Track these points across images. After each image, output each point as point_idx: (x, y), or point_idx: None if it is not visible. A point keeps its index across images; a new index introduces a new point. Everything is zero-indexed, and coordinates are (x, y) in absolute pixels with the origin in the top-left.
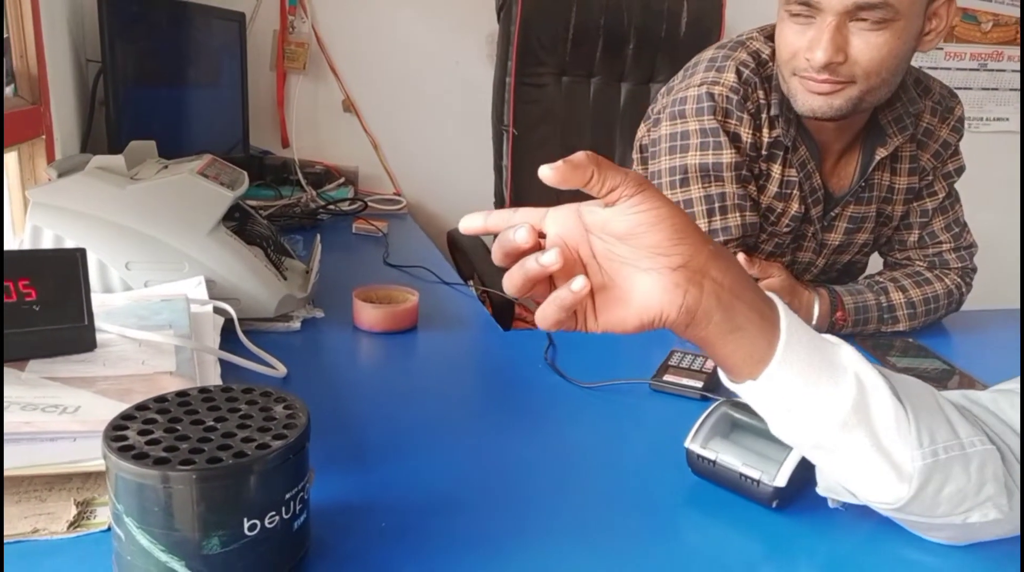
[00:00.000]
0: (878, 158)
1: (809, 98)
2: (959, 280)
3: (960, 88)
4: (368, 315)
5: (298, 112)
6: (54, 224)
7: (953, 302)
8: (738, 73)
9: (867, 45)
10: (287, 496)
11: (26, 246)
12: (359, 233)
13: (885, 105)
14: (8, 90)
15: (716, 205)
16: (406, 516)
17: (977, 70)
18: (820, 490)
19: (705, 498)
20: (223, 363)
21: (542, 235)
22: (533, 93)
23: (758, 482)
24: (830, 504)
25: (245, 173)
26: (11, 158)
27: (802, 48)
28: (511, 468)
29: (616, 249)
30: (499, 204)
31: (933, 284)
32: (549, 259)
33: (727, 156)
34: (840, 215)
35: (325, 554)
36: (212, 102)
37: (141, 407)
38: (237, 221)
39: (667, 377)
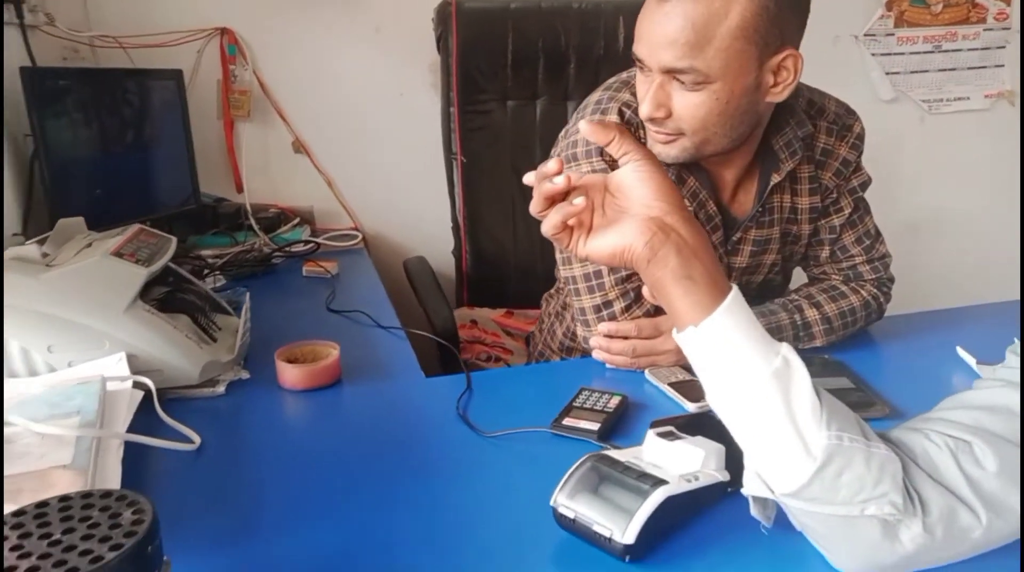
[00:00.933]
0: (773, 182)
1: (654, 145)
2: (875, 290)
3: (917, 71)
4: (289, 375)
5: (249, 157)
6: None
7: (872, 313)
8: (620, 114)
9: (686, 103)
10: None
11: None
12: (309, 275)
13: (775, 131)
14: None
15: None
16: None
17: (932, 52)
18: (744, 489)
19: (571, 553)
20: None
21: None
22: (478, 119)
23: (609, 539)
24: (762, 529)
25: (174, 238)
26: None
27: (639, 95)
28: (395, 526)
29: (618, 200)
30: (455, 228)
31: (849, 297)
32: (577, 200)
33: None
34: (743, 239)
35: None
36: (158, 160)
37: None
38: (170, 285)
39: (567, 420)
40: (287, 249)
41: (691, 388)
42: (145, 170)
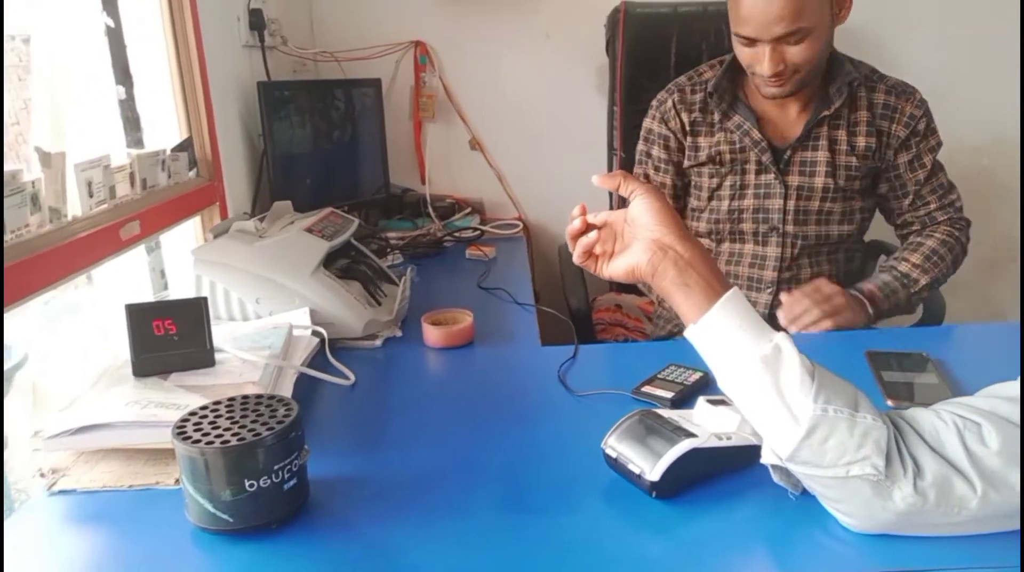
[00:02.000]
0: (821, 115)
1: (768, 90)
2: (949, 229)
3: None
4: (430, 334)
5: (432, 153)
6: (208, 272)
7: (953, 247)
8: (682, 91)
9: (798, 53)
10: (275, 467)
11: (191, 289)
12: (471, 258)
13: (830, 80)
14: (192, 173)
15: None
16: (392, 488)
17: None
18: (762, 459)
19: (615, 489)
20: (305, 373)
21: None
22: (638, 118)
23: (639, 476)
24: (790, 495)
25: (355, 220)
26: (195, 222)
27: (753, 63)
28: (484, 455)
29: (632, 229)
30: None
31: (925, 242)
32: (591, 234)
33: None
34: (792, 160)
35: (317, 511)
36: (357, 155)
37: (203, 408)
38: (351, 257)
39: (646, 388)
40: (456, 234)
41: None
42: (346, 164)
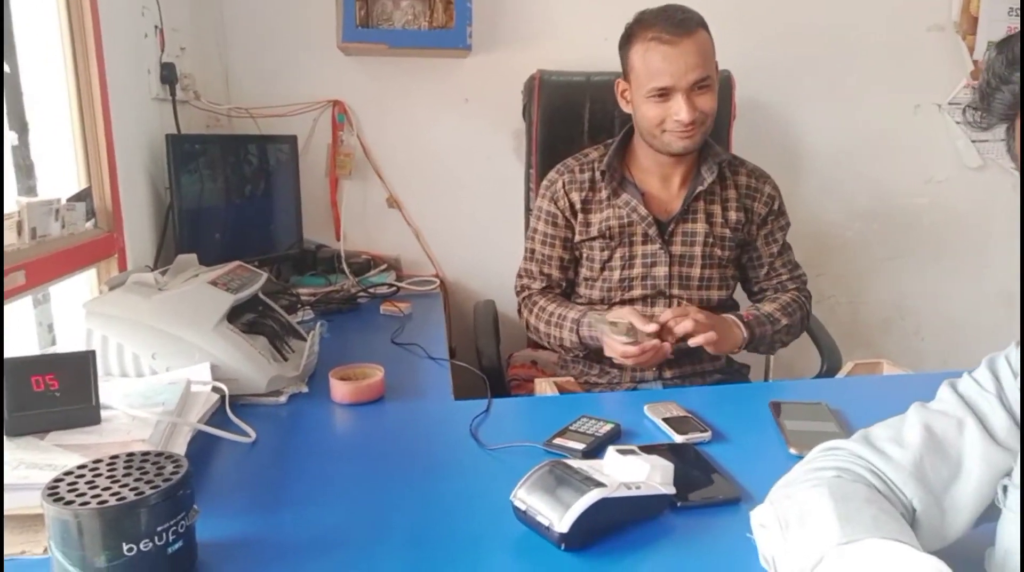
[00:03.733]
0: (698, 190)
1: (682, 143)
2: (798, 294)
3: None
4: (338, 389)
5: (349, 210)
6: (101, 326)
7: (802, 306)
8: (571, 170)
9: (704, 101)
10: (159, 528)
11: (82, 343)
12: (386, 313)
13: (701, 159)
14: (89, 224)
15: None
16: (291, 550)
17: None
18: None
19: (526, 543)
20: (201, 430)
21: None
22: None
23: (548, 528)
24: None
25: (263, 274)
26: (90, 275)
27: (667, 115)
28: (389, 513)
29: None
30: None
31: (779, 297)
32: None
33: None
34: (675, 231)
35: None
36: (270, 210)
37: (81, 467)
38: (258, 312)
39: (558, 440)
40: (370, 290)
41: (682, 423)
42: (259, 218)
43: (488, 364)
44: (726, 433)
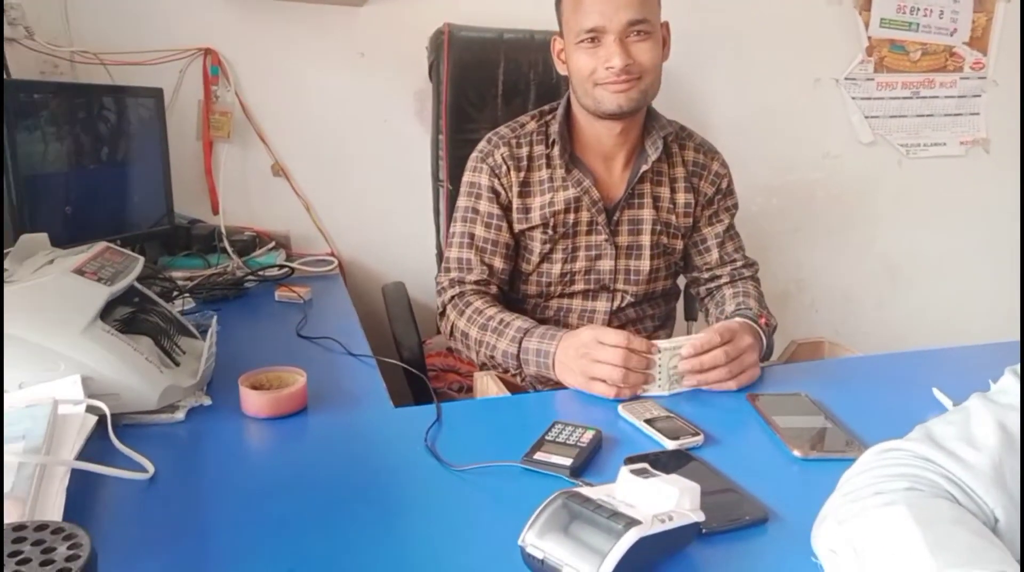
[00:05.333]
0: (642, 170)
1: (615, 97)
2: (756, 283)
3: (895, 116)
4: (253, 401)
5: (227, 179)
6: None
7: (762, 297)
8: (508, 144)
9: (642, 49)
10: None
11: None
12: (282, 300)
13: (645, 133)
14: None
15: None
16: None
17: (910, 98)
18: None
19: None
20: (80, 469)
21: None
22: (466, 148)
23: None
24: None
25: (140, 258)
26: None
27: (599, 64)
28: (354, 564)
29: None
30: (439, 255)
31: (751, 290)
32: None
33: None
34: (620, 220)
35: None
36: (132, 179)
37: None
38: (134, 305)
39: (538, 455)
40: (260, 273)
41: (669, 425)
42: (118, 188)
43: (410, 356)
44: (714, 434)
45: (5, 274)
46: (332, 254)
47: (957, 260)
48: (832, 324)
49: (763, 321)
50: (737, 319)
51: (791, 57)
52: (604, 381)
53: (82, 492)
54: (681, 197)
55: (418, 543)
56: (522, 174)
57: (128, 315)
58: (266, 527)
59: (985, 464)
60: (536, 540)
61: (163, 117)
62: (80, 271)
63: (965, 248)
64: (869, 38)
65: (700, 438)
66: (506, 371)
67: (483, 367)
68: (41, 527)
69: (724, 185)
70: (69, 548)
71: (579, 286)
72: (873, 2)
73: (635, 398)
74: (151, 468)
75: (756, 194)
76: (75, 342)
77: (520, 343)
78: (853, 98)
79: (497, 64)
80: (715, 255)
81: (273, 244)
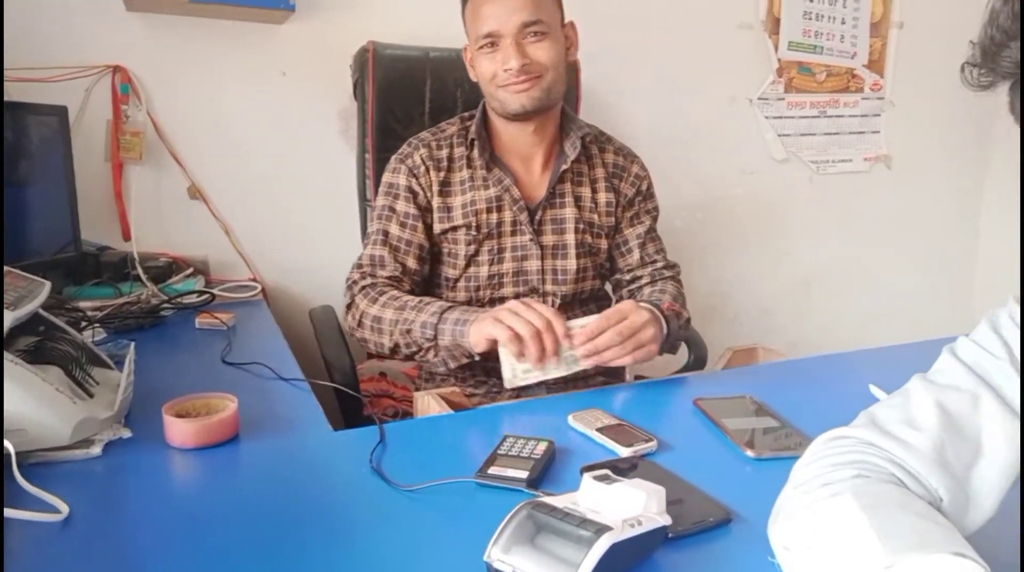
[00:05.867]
0: (562, 169)
1: (517, 98)
2: (676, 284)
3: (805, 134)
4: (179, 431)
5: (139, 203)
6: None
7: (683, 294)
8: (428, 146)
9: (539, 48)
10: None
11: None
12: (203, 328)
13: (564, 135)
14: None
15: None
16: None
17: (818, 117)
18: None
19: None
20: None
21: None
22: None
23: None
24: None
25: (46, 284)
26: None
27: (498, 67)
28: None
29: None
30: None
31: (667, 288)
32: None
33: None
34: (543, 219)
35: None
36: (33, 202)
37: None
38: (40, 334)
39: (492, 469)
40: (178, 300)
41: (621, 432)
42: (16, 212)
43: (343, 380)
44: (665, 439)
45: None
46: (254, 279)
47: (866, 269)
48: (754, 336)
49: (666, 306)
50: (630, 301)
51: (708, 76)
52: (511, 329)
53: None
54: (602, 196)
55: (373, 568)
56: (442, 174)
57: (34, 345)
58: (202, 561)
59: (926, 445)
60: (502, 555)
61: (67, 137)
62: None
63: (873, 257)
64: (779, 60)
65: (654, 444)
66: (414, 353)
67: (393, 352)
68: None
69: (644, 187)
70: None
71: (508, 289)
72: (781, 26)
73: (584, 408)
74: (64, 508)
75: (680, 210)
76: None
77: (442, 314)
78: (766, 117)
79: (423, 82)
80: (636, 256)
81: (191, 270)
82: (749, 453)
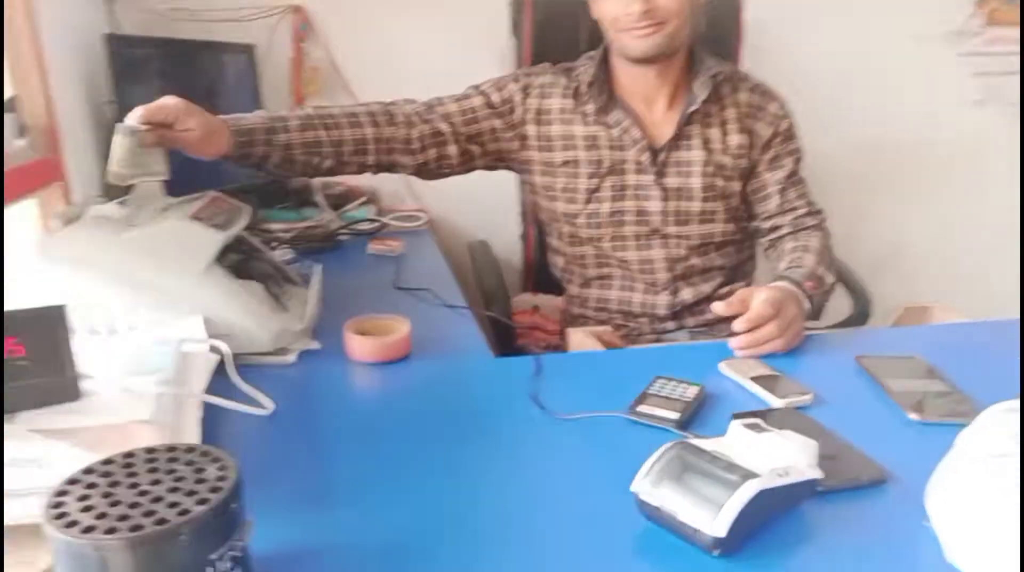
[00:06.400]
0: (690, 111)
1: (639, 43)
2: (821, 234)
3: (1008, 73)
4: (359, 347)
5: None
6: (60, 272)
7: (830, 249)
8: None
9: None
10: (212, 556)
11: (36, 295)
12: (374, 253)
13: (693, 75)
14: (23, 141)
15: None
16: (365, 562)
17: None
18: None
19: (656, 542)
20: (209, 402)
21: None
22: None
23: (696, 530)
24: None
25: (248, 207)
26: (31, 206)
27: (621, 10)
28: (470, 505)
29: None
30: (523, 213)
31: (810, 243)
32: None
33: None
34: (667, 161)
35: None
36: None
37: (87, 470)
38: (243, 253)
39: (642, 407)
40: (353, 226)
41: (775, 382)
42: None
43: (499, 310)
44: (822, 394)
45: (127, 218)
46: (420, 210)
47: None
48: (930, 293)
49: (809, 285)
50: (780, 284)
51: (893, 8)
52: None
53: (211, 424)
54: (734, 138)
55: (533, 487)
56: (568, 100)
57: (237, 262)
58: (383, 465)
59: None
60: (650, 488)
61: (255, 73)
62: (196, 217)
63: None
64: None
65: (809, 397)
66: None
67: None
68: (189, 449)
69: (783, 128)
70: (218, 469)
71: (629, 228)
72: None
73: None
74: (270, 405)
75: (852, 153)
76: (196, 284)
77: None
78: (960, 54)
79: (579, 23)
80: (775, 202)
81: (364, 198)
82: (913, 416)
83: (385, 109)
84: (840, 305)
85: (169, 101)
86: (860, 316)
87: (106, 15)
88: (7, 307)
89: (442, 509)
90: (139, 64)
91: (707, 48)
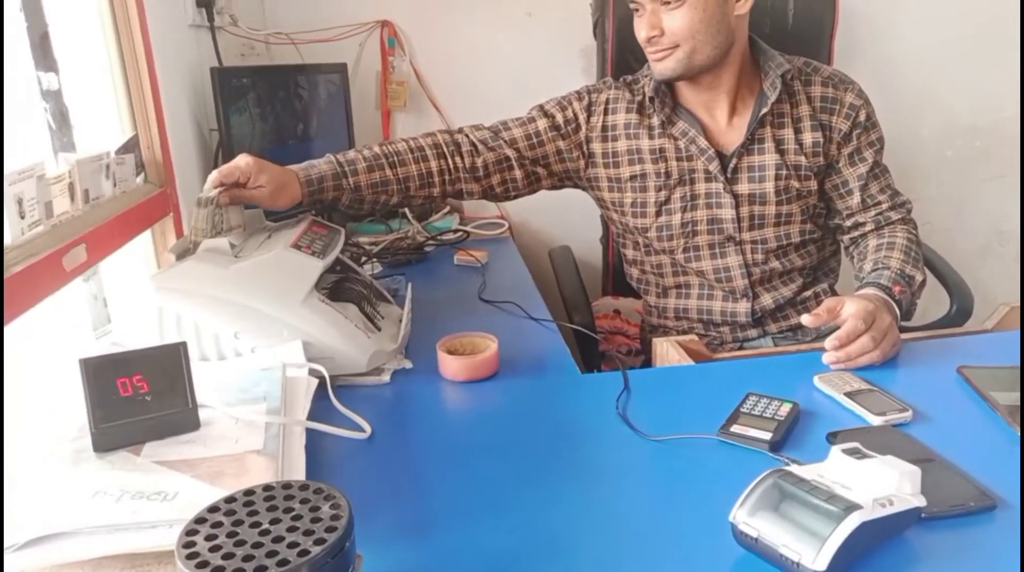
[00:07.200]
0: (761, 113)
1: (657, 65)
2: (906, 227)
3: None
4: (450, 366)
5: None
6: (174, 303)
7: (917, 244)
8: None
9: (673, 19)
10: None
11: (152, 324)
12: (460, 264)
13: (762, 75)
14: (139, 179)
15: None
16: None
17: None
18: None
19: (754, 570)
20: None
21: None
22: None
23: (798, 564)
24: None
25: (342, 230)
26: (145, 237)
27: (640, 34)
28: (565, 528)
29: None
30: (602, 218)
31: (896, 241)
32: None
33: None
34: (739, 167)
35: None
36: (322, 150)
37: (213, 508)
38: (338, 274)
39: (735, 428)
40: (439, 237)
41: (871, 399)
42: (310, 158)
43: (581, 320)
44: (922, 409)
45: (235, 250)
46: (501, 217)
47: None
48: None
49: (897, 289)
50: (868, 292)
51: None
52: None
53: (311, 449)
54: (808, 136)
55: (625, 510)
56: (632, 116)
57: (334, 283)
58: (479, 487)
59: None
60: (747, 518)
61: (347, 91)
62: (296, 246)
63: None
64: None
65: (909, 414)
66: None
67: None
68: (304, 487)
69: (862, 118)
70: (331, 508)
71: (703, 238)
72: None
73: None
74: (368, 428)
75: (953, 136)
76: (297, 311)
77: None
78: None
79: None
80: (856, 199)
81: (448, 208)
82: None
83: (452, 139)
84: (938, 298)
85: (240, 162)
86: (961, 313)
87: (211, 46)
88: (118, 332)
89: (537, 536)
90: (241, 92)
91: (795, 39)
